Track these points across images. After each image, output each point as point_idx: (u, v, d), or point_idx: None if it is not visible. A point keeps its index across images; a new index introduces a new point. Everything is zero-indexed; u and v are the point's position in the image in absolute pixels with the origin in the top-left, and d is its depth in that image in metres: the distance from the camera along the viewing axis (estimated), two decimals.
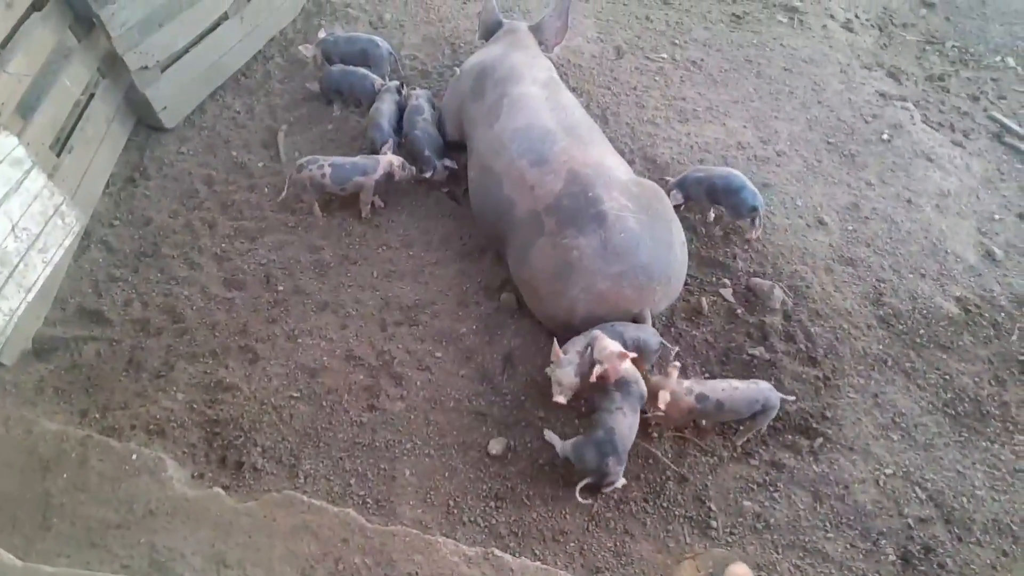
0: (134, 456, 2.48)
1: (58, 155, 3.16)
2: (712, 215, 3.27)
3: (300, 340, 2.90)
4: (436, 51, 4.25)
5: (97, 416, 2.69)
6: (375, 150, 3.46)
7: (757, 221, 3.15)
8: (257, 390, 2.74)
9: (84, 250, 3.25)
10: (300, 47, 3.99)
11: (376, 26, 4.39)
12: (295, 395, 2.73)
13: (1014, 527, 2.48)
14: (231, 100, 3.97)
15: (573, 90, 3.79)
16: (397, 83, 3.76)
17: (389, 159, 3.26)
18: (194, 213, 3.39)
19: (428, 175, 3.34)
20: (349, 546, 2.27)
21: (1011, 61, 4.50)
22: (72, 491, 2.40)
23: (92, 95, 3.46)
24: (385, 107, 3.60)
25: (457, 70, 3.61)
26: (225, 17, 3.93)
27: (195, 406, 2.70)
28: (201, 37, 3.84)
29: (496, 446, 2.62)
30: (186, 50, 3.77)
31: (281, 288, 3.07)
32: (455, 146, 3.55)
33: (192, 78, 3.83)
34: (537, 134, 2.88)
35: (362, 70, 3.82)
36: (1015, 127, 4.01)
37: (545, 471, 2.58)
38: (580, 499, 2.39)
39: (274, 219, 3.34)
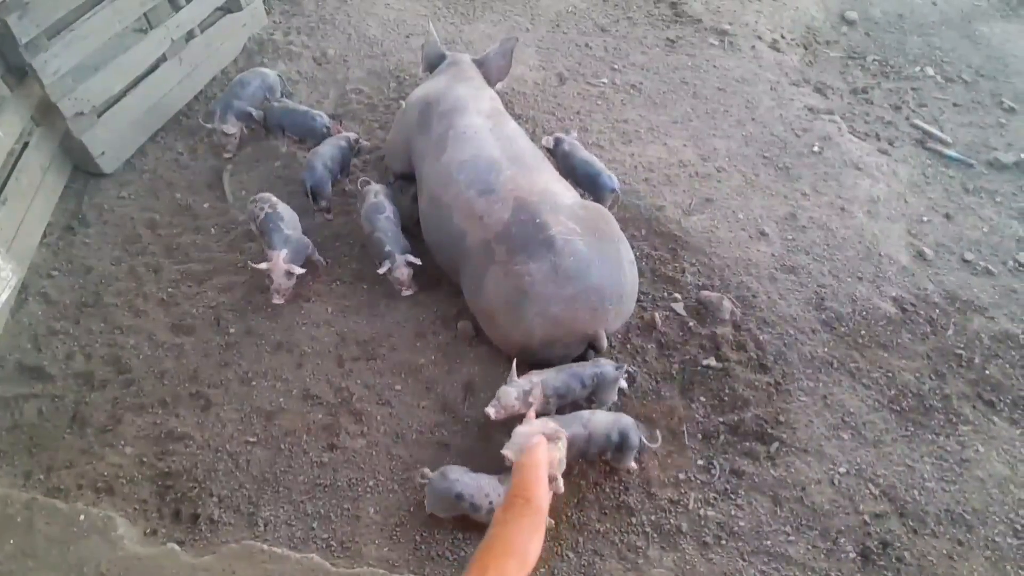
0: (82, 517, 2.39)
1: None
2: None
3: (254, 383, 2.84)
4: (382, 84, 4.28)
5: (41, 477, 2.58)
6: (307, 192, 3.38)
7: (616, 200, 3.39)
8: (211, 438, 2.67)
9: (22, 304, 3.13)
10: (222, 127, 3.68)
11: (320, 62, 4.41)
12: (251, 440, 2.67)
13: (966, 516, 2.56)
14: (173, 142, 3.91)
15: (518, 117, 3.86)
16: (353, 136, 3.65)
17: (279, 264, 2.97)
18: (138, 259, 3.31)
19: (384, 269, 3.03)
20: None
21: (930, 70, 4.79)
22: (20, 557, 2.30)
23: (26, 144, 3.37)
24: (325, 149, 3.48)
25: (403, 103, 3.64)
26: (163, 59, 3.89)
27: (145, 459, 2.61)
28: (139, 80, 3.79)
29: None
30: (123, 94, 3.71)
31: (232, 330, 3.01)
32: (404, 178, 3.58)
33: (131, 122, 3.77)
34: (484, 164, 2.93)
35: (304, 107, 3.82)
36: (936, 132, 4.26)
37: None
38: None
39: (222, 260, 3.28)
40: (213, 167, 3.75)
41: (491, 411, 2.54)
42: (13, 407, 2.77)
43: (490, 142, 3.02)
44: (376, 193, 3.23)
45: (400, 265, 3.05)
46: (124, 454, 2.62)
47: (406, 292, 3.13)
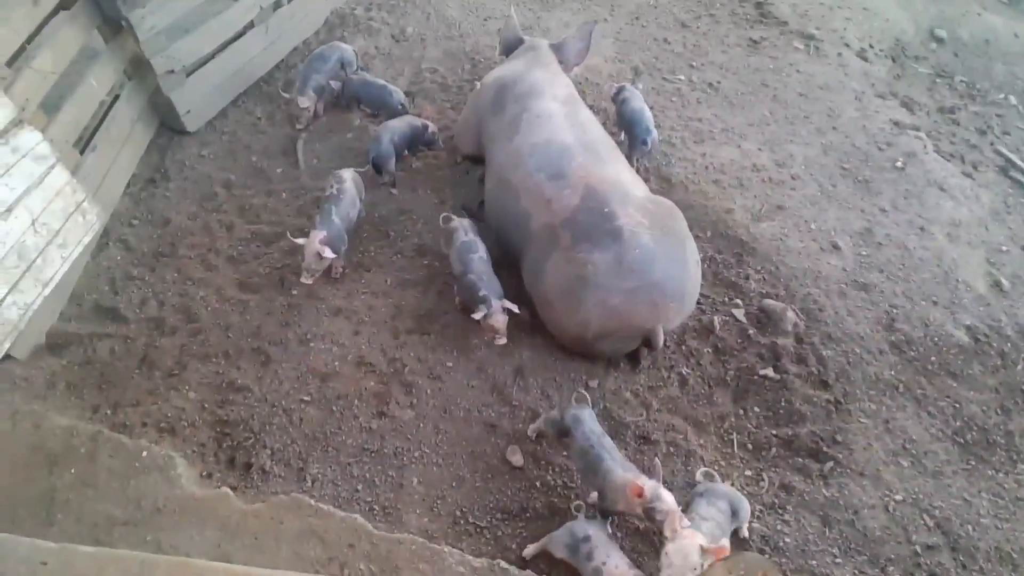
0: (144, 453, 2.49)
1: (81, 153, 3.20)
2: (622, 136, 3.65)
3: (312, 344, 2.91)
4: (456, 66, 4.31)
5: (109, 412, 2.70)
6: (373, 164, 3.43)
7: (646, 152, 3.59)
8: (268, 392, 2.75)
9: (103, 248, 3.28)
10: (298, 99, 3.73)
11: (398, 39, 4.46)
12: (306, 399, 2.74)
13: (1015, 556, 2.48)
14: (253, 107, 4.03)
15: (591, 108, 3.83)
16: (432, 128, 3.64)
17: (314, 244, 2.91)
18: (212, 216, 3.43)
19: (480, 316, 2.79)
20: (355, 552, 2.27)
21: (1013, 99, 4.57)
22: (79, 487, 2.40)
23: (117, 96, 3.51)
24: (396, 124, 3.53)
25: (477, 84, 3.65)
26: (251, 26, 4.00)
27: (206, 406, 2.71)
28: (226, 44, 3.90)
29: (515, 456, 2.63)
30: (211, 56, 3.84)
31: (295, 292, 3.09)
32: (471, 159, 3.59)
33: (216, 84, 3.89)
34: (556, 149, 2.91)
35: (382, 81, 3.88)
36: (1019, 162, 4.06)
37: (551, 485, 2.57)
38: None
39: (290, 224, 3.36)
40: (288, 134, 3.85)
41: None
42: (87, 344, 2.90)
43: (564, 128, 3.00)
44: (466, 231, 3.01)
45: (497, 312, 2.79)
46: (187, 398, 2.73)
47: (500, 341, 2.85)
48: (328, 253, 2.94)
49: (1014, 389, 2.95)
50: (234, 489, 2.43)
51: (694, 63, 4.44)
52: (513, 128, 3.09)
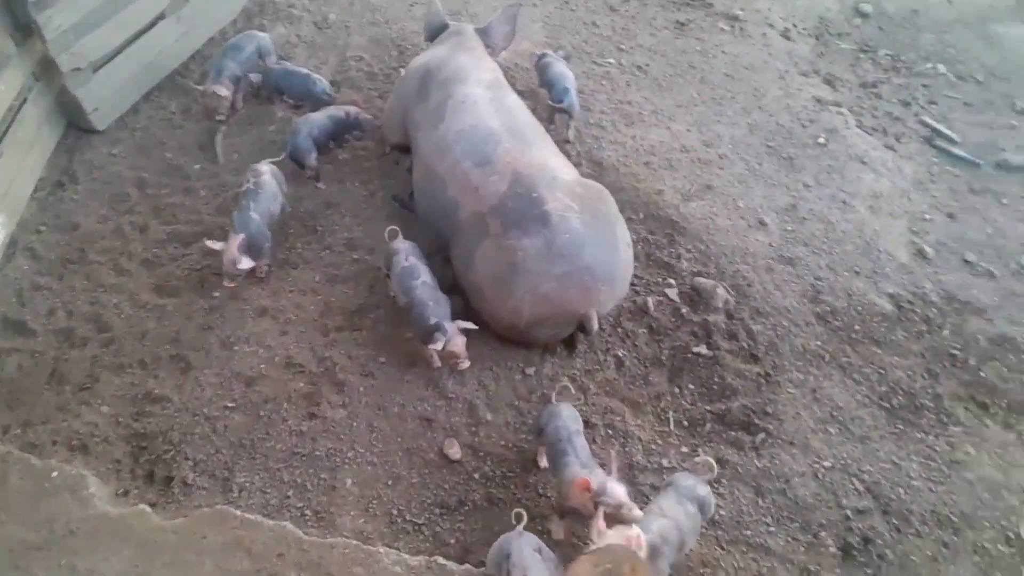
0: (54, 473, 2.36)
1: None
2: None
3: (236, 348, 2.80)
4: (383, 53, 4.19)
5: (18, 432, 2.55)
6: (291, 157, 3.31)
7: (566, 119, 3.64)
8: (188, 401, 2.63)
9: (9, 258, 3.08)
10: (214, 88, 3.53)
11: (321, 27, 4.32)
12: (230, 405, 2.63)
13: (954, 519, 2.53)
14: (167, 101, 3.83)
15: (520, 93, 3.77)
16: (362, 117, 3.54)
17: (232, 251, 2.78)
18: (124, 217, 3.25)
19: (440, 346, 2.59)
20: (284, 561, 2.20)
21: (942, 68, 4.70)
22: None
23: (24, 100, 3.30)
24: (316, 117, 3.40)
25: (403, 71, 3.56)
26: (161, 16, 3.80)
27: (121, 420, 2.57)
28: (136, 37, 3.70)
29: (452, 449, 2.59)
30: (120, 50, 3.63)
31: (216, 294, 2.96)
32: (400, 149, 3.51)
33: (126, 79, 3.69)
34: (481, 135, 2.86)
35: (305, 70, 3.74)
36: (945, 131, 4.19)
37: (490, 476, 2.54)
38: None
39: (211, 223, 3.22)
40: (206, 128, 3.67)
41: None
42: None
43: (489, 113, 2.95)
44: (407, 255, 2.79)
45: (454, 336, 2.61)
46: (100, 413, 2.58)
47: (464, 365, 2.68)
48: (245, 264, 2.79)
49: (941, 353, 3.04)
50: (153, 505, 2.32)
51: (623, 46, 4.43)
52: (438, 115, 3.02)
